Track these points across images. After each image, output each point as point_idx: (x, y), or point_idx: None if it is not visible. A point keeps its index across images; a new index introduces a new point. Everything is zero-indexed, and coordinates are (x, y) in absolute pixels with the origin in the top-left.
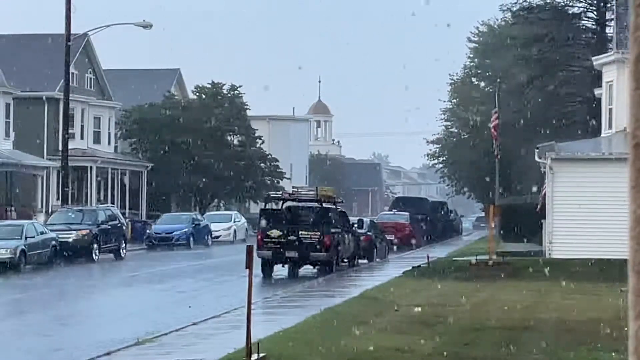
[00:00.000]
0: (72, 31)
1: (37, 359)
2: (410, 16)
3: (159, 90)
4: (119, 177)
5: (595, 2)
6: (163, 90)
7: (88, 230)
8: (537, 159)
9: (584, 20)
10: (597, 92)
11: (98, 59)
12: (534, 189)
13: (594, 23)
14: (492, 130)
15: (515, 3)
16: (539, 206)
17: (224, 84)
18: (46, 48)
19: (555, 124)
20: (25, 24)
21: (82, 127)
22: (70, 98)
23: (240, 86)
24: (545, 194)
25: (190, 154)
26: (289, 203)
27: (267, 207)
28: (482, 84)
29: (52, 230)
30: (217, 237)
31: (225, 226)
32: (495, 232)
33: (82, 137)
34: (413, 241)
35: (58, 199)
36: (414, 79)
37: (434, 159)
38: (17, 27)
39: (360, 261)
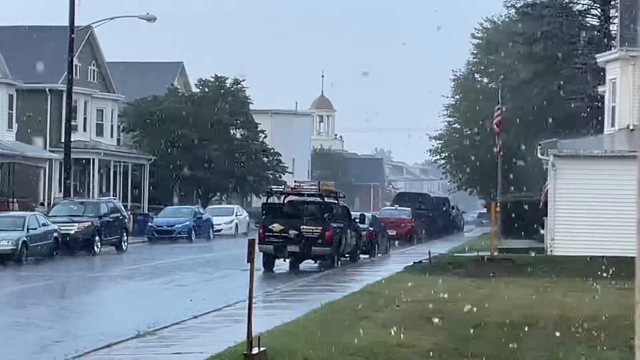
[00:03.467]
0: (76, 23)
1: (38, 350)
2: (414, 12)
3: (162, 84)
4: (122, 169)
5: None
6: (166, 83)
7: (90, 223)
8: (539, 155)
9: (587, 17)
10: (600, 89)
11: (102, 51)
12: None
13: (597, 20)
14: (495, 126)
15: None
16: (541, 203)
17: (227, 78)
18: (50, 40)
19: (558, 120)
20: (29, 15)
21: (84, 119)
22: (73, 90)
23: (243, 80)
24: (547, 191)
25: (192, 147)
26: (290, 197)
27: (269, 201)
28: (485, 80)
29: (54, 222)
30: (219, 230)
31: (227, 220)
32: (496, 229)
33: (84, 130)
34: (414, 237)
35: (60, 190)
36: (418, 73)
37: (436, 155)
38: (21, 18)
39: (361, 256)
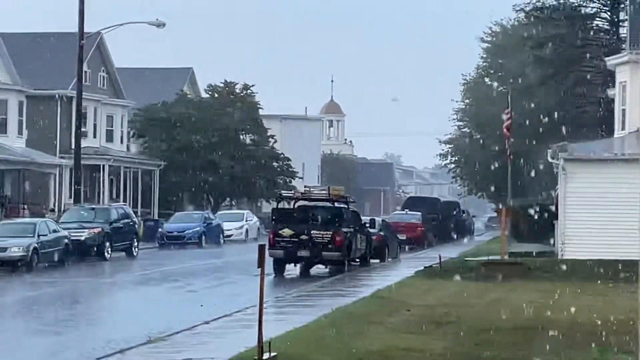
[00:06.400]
0: (86, 30)
1: (50, 356)
2: (424, 15)
3: (171, 89)
4: (132, 175)
5: (608, 2)
6: (176, 89)
7: (100, 229)
8: (549, 159)
9: (597, 20)
10: (610, 92)
11: (111, 57)
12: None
13: (607, 23)
14: (505, 130)
15: (529, 3)
16: (553, 206)
17: (237, 83)
18: (59, 46)
19: (568, 124)
20: (38, 22)
21: (94, 125)
22: (83, 96)
23: (253, 85)
24: (558, 195)
25: (202, 152)
26: (301, 202)
27: (279, 206)
28: (495, 84)
29: (64, 229)
30: (229, 236)
31: (237, 225)
32: (507, 233)
33: (94, 136)
34: (425, 241)
35: (70, 197)
36: (427, 78)
37: (446, 159)
38: (31, 25)
39: (372, 261)
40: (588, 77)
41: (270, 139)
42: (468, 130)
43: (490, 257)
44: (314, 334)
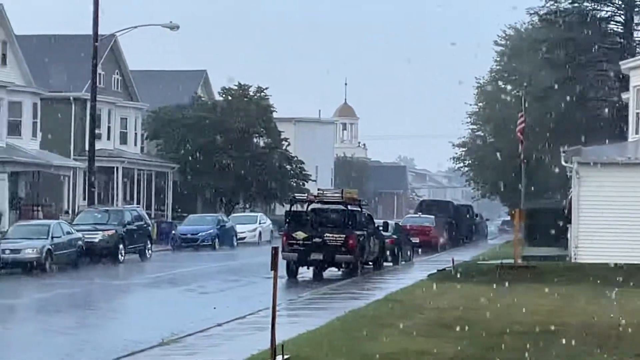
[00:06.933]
0: (100, 32)
1: (61, 358)
2: (437, 18)
3: (185, 92)
4: (145, 177)
5: (622, 6)
6: (189, 91)
7: (114, 231)
8: (563, 163)
9: (611, 24)
10: (624, 96)
11: (125, 60)
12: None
13: (621, 27)
14: (518, 133)
15: (543, 7)
16: (566, 210)
17: (251, 86)
18: (74, 49)
19: (581, 127)
20: (53, 24)
21: (108, 128)
22: (97, 99)
23: (266, 88)
24: (571, 198)
25: (216, 155)
26: (314, 205)
27: (292, 209)
28: (509, 87)
29: (78, 231)
30: (243, 238)
31: (250, 228)
32: (520, 236)
33: (108, 138)
34: (438, 244)
35: (84, 199)
36: (441, 81)
37: (459, 162)
38: (45, 27)
39: (385, 264)
40: (602, 80)
41: (283, 142)
42: (482, 134)
43: (504, 261)
44: (327, 337)
